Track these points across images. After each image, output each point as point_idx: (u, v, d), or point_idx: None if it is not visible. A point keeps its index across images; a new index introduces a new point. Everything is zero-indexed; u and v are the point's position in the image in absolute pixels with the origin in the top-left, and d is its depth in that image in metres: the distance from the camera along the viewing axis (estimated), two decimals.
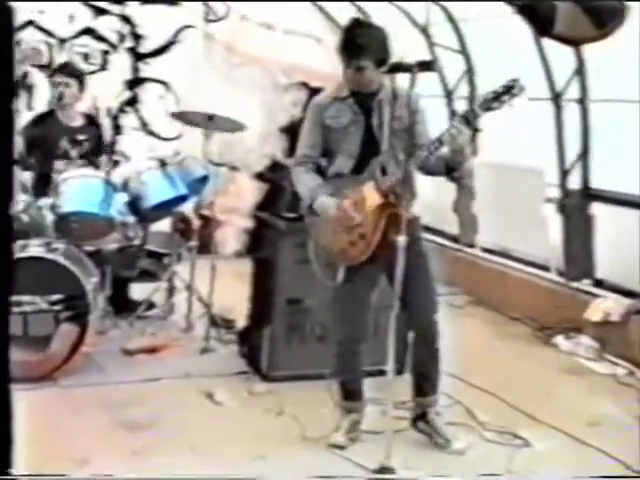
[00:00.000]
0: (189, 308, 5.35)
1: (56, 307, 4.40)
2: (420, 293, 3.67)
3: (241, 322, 5.17)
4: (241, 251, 7.23)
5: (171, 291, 5.61)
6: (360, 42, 3.48)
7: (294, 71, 7.64)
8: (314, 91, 7.75)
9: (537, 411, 4.15)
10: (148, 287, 5.56)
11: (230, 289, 5.30)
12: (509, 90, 3.32)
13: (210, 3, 7.37)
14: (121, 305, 5.46)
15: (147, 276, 5.70)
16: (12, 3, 1.76)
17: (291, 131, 7.62)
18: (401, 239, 3.35)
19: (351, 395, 3.90)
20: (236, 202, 7.28)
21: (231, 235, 7.32)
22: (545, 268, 5.91)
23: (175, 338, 5.15)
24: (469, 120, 3.38)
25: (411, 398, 3.88)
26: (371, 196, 3.57)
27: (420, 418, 3.87)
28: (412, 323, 3.73)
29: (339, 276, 3.63)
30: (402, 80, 3.53)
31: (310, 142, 3.72)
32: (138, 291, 5.61)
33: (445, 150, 3.47)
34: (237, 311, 5.30)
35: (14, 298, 4.13)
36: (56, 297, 4.41)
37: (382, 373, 4.28)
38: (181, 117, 5.43)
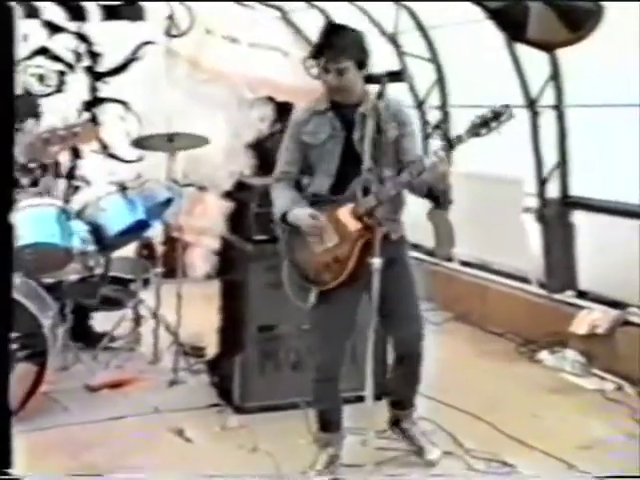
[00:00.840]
0: (155, 338, 5.09)
1: (12, 346, 4.13)
2: (405, 317, 3.50)
3: (212, 349, 4.93)
4: (211, 273, 6.99)
5: (137, 320, 5.34)
6: (338, 43, 3.32)
7: (260, 85, 7.42)
8: (281, 106, 7.57)
9: (525, 435, 3.93)
10: (114, 316, 5.30)
11: (200, 314, 5.05)
12: (498, 116, 3.11)
13: (173, 18, 7.11)
14: (84, 337, 5.19)
15: (112, 304, 5.43)
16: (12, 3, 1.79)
17: (258, 147, 7.43)
18: (376, 261, 3.13)
19: (329, 426, 3.66)
20: (204, 222, 7.03)
21: (200, 257, 7.08)
22: (526, 280, 5.72)
23: (142, 370, 4.88)
24: (453, 146, 3.17)
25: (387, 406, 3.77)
26: (348, 219, 3.36)
27: (395, 424, 3.79)
28: (397, 347, 3.57)
29: (310, 298, 3.41)
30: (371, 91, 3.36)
31: (288, 159, 3.53)
32: (103, 321, 5.34)
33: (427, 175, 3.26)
34: (208, 337, 5.05)
35: None
36: (11, 335, 4.13)
37: (361, 399, 4.11)
38: (141, 144, 5.17)
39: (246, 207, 4.42)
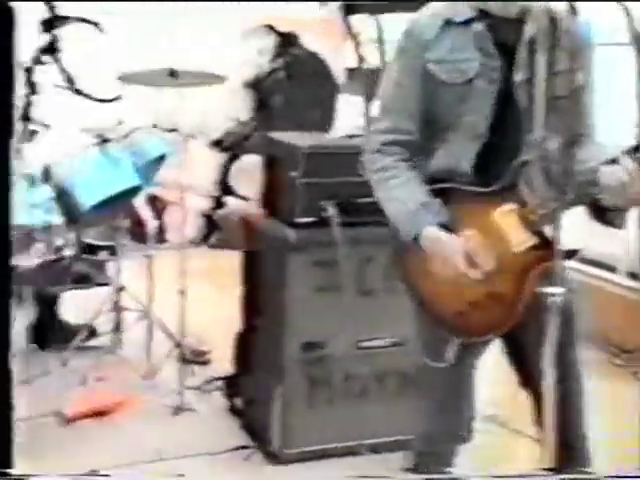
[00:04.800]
0: (149, 342, 3.84)
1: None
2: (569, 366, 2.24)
3: (219, 351, 3.80)
4: (197, 239, 5.78)
5: (118, 311, 4.07)
6: None
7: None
8: (284, 37, 6.25)
9: None
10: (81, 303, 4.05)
11: (193, 298, 3.72)
12: None
13: None
14: (49, 335, 3.97)
15: (78, 281, 4.21)
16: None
17: (256, 87, 6.13)
18: (557, 291, 1.92)
19: None
20: (189, 178, 5.75)
21: (184, 219, 5.81)
22: (612, 269, 4.58)
23: (132, 386, 3.64)
24: None
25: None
26: (513, 229, 2.03)
27: None
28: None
29: (449, 353, 2.17)
30: None
31: (401, 106, 2.12)
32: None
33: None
34: (206, 331, 3.96)
35: None
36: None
37: None
38: (132, 79, 3.88)
39: (282, 177, 3.17)
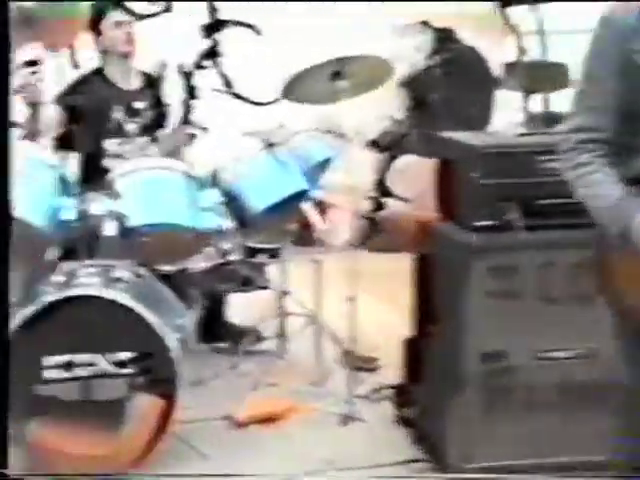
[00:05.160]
0: (317, 349, 3.78)
1: (124, 371, 2.96)
2: None
3: (385, 358, 3.72)
4: (360, 241, 5.68)
5: (283, 316, 4.04)
6: None
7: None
8: (441, 32, 6.07)
9: None
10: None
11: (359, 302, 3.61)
12: None
13: None
14: (217, 337, 4.01)
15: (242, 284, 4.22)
16: None
17: (412, 85, 5.98)
18: None
19: None
20: (350, 179, 5.68)
21: (343, 222, 5.74)
22: None
23: (300, 393, 3.58)
24: None
25: None
26: None
27: None
28: None
29: None
30: None
31: (598, 103, 1.97)
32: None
33: None
34: (371, 336, 3.85)
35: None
36: (124, 356, 2.97)
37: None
38: (292, 91, 3.84)
39: (457, 178, 3.02)
